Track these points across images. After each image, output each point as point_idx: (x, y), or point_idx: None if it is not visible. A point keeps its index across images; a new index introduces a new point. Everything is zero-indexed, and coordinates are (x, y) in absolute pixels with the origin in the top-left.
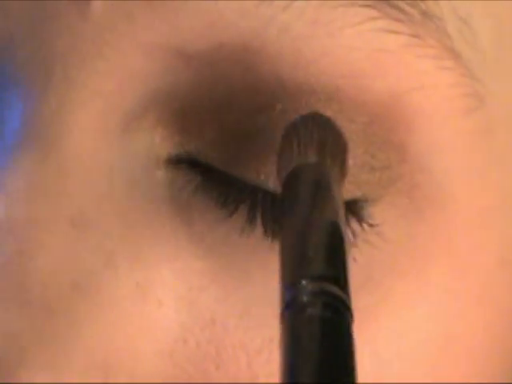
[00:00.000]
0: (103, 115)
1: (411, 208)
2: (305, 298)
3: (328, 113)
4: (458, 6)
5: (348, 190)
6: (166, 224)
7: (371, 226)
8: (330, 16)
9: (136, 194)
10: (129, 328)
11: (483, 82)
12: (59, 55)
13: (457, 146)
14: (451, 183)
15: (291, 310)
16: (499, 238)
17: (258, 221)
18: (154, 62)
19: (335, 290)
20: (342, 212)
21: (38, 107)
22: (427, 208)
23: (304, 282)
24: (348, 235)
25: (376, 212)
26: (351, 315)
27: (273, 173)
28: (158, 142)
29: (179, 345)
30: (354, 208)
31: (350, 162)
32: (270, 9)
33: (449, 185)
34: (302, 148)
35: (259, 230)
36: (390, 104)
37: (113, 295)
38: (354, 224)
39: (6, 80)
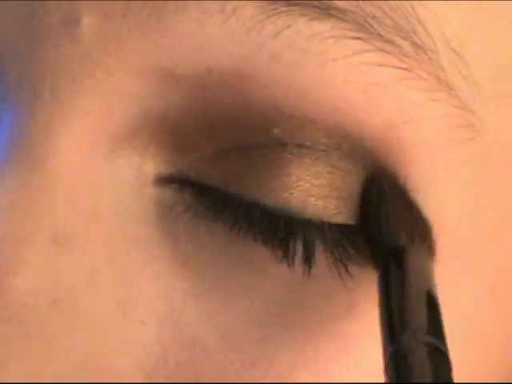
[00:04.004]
0: (91, 134)
1: None
2: (407, 349)
3: (324, 142)
4: (451, 38)
5: (347, 216)
6: (151, 243)
7: (364, 253)
8: (321, 47)
9: (122, 212)
10: (108, 346)
11: (478, 113)
12: (48, 74)
13: (451, 177)
14: (446, 214)
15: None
16: (490, 267)
17: (251, 241)
18: (143, 83)
19: (434, 341)
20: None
21: (26, 125)
22: None
23: (405, 335)
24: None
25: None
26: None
27: (275, 189)
28: (148, 161)
29: (159, 364)
30: (350, 234)
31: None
32: (259, 36)
33: (443, 216)
34: (392, 229)
35: (250, 251)
36: (386, 138)
37: (93, 313)
38: (350, 249)
39: None
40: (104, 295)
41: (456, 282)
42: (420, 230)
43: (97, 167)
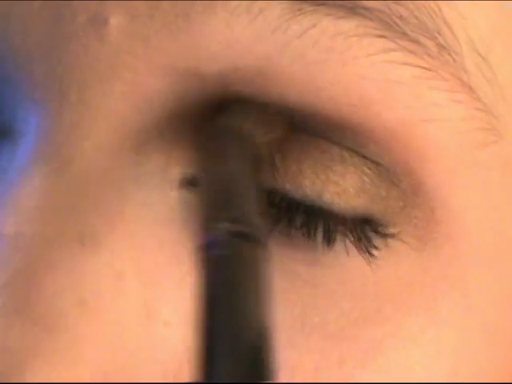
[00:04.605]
0: (118, 135)
1: (426, 241)
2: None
3: (338, 137)
4: (476, 41)
5: (367, 210)
6: (177, 245)
7: (392, 236)
8: (344, 45)
9: (148, 214)
10: (133, 347)
11: (501, 117)
12: (75, 75)
13: (473, 180)
14: (467, 217)
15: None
16: None
17: (276, 233)
18: (170, 83)
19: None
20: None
21: (53, 125)
22: (441, 242)
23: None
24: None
25: (391, 242)
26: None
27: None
28: (173, 163)
29: (184, 366)
30: (376, 226)
31: (367, 184)
32: (285, 35)
33: (465, 219)
34: None
35: (279, 253)
36: (399, 133)
37: (118, 314)
38: (378, 243)
39: (22, 97)
40: (130, 296)
41: (478, 287)
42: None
43: (123, 169)
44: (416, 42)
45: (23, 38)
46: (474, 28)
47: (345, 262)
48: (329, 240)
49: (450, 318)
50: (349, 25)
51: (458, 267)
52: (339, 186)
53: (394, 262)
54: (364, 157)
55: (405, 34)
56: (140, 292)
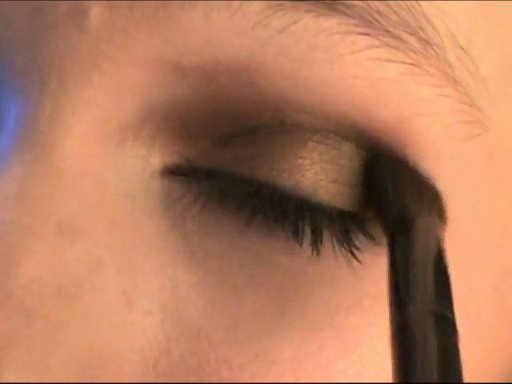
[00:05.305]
0: (98, 125)
1: None
2: (412, 320)
3: (330, 134)
4: (457, 35)
5: (356, 202)
6: (157, 235)
7: (373, 240)
8: (328, 42)
9: (128, 203)
10: (112, 335)
11: (485, 109)
12: (55, 64)
13: (458, 172)
14: (451, 209)
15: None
16: (495, 265)
17: (259, 228)
18: (149, 75)
19: (439, 309)
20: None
21: (33, 113)
22: None
23: (411, 306)
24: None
25: (378, 230)
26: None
27: (285, 170)
28: (154, 153)
29: (163, 355)
30: (361, 222)
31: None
32: (266, 31)
33: (448, 211)
34: (398, 200)
35: (258, 243)
36: (396, 129)
37: (97, 302)
38: (361, 237)
39: (3, 86)
40: (108, 285)
41: (461, 279)
42: (428, 199)
43: (103, 158)
44: (398, 38)
45: (4, 28)
46: (454, 21)
47: (326, 254)
48: (315, 236)
49: None
50: (330, 22)
51: None
52: (331, 186)
53: (377, 252)
54: (358, 154)
55: (386, 30)
56: (119, 281)
